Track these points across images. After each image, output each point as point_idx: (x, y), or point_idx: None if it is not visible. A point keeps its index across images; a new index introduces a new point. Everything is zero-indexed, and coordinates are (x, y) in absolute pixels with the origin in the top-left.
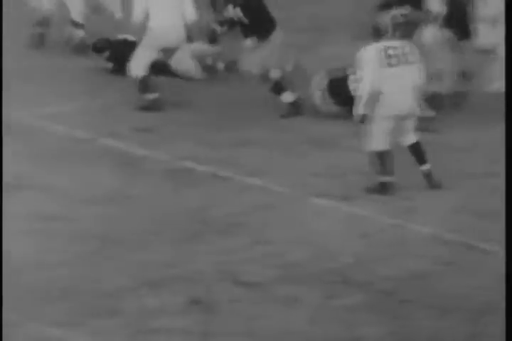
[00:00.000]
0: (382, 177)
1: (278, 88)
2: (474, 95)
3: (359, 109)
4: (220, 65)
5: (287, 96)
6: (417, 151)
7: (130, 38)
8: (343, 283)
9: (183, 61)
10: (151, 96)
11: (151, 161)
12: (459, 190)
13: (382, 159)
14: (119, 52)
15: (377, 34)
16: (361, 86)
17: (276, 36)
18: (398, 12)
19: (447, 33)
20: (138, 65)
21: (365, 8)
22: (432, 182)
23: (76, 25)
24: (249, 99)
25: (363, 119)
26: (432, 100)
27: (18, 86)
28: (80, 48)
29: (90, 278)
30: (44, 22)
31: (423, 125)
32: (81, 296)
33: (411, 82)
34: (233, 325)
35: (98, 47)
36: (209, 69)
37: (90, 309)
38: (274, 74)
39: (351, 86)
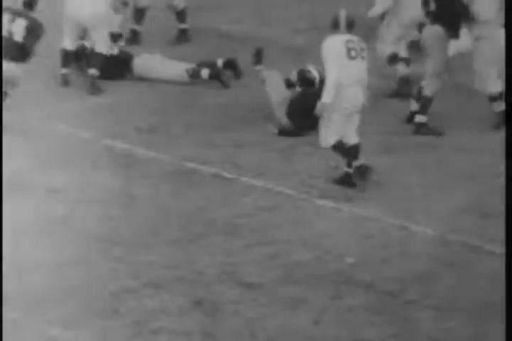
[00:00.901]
0: (348, 168)
1: None
2: (477, 95)
3: (326, 99)
4: (205, 72)
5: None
6: (357, 152)
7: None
8: (346, 284)
9: (170, 65)
10: (63, 70)
11: (154, 162)
12: (462, 191)
13: (345, 150)
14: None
15: (336, 27)
16: (327, 76)
17: None
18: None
19: (439, 30)
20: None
21: (363, 7)
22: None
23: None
24: (248, 102)
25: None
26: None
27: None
28: None
29: (93, 278)
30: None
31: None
32: (84, 297)
33: (363, 77)
34: (235, 326)
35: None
36: (193, 74)
37: (92, 309)
38: None
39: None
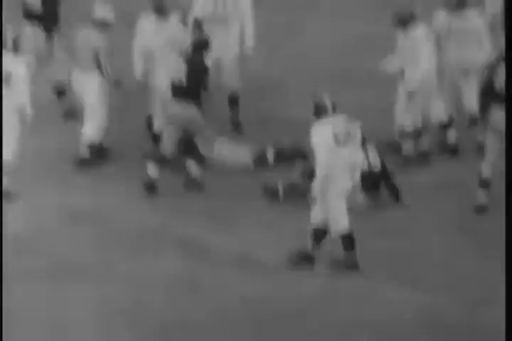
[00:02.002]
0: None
1: None
2: None
3: (314, 193)
4: (271, 155)
5: None
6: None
7: None
8: None
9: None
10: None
11: (218, 248)
12: None
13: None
14: None
15: (320, 112)
16: (316, 168)
17: None
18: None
19: None
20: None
21: None
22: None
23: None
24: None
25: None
26: None
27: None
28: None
29: None
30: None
31: None
32: None
33: (353, 161)
34: None
35: None
36: (260, 160)
37: None
38: None
39: None
